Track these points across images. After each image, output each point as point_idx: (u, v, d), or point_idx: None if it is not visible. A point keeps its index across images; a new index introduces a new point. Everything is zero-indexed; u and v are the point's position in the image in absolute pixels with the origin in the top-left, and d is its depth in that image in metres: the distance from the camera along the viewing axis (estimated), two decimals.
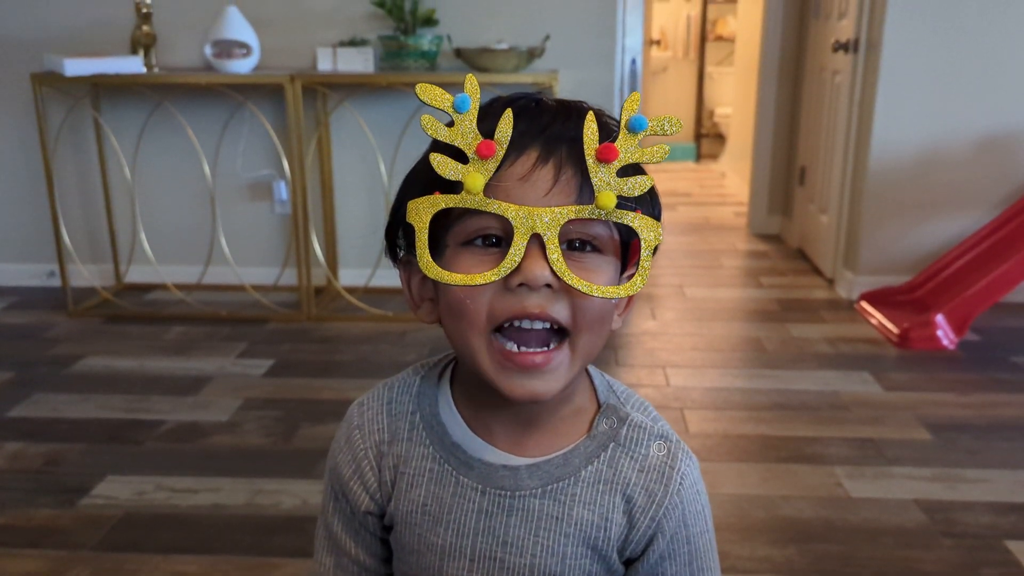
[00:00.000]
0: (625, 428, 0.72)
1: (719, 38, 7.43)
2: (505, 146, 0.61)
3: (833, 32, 3.60)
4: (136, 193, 3.29)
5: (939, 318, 2.86)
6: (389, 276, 3.28)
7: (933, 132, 3.17)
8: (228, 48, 3.02)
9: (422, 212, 0.62)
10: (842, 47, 3.42)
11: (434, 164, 0.61)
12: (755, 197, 4.62)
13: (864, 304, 3.22)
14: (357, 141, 3.22)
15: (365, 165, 3.27)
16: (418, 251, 0.63)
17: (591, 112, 0.63)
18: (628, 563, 0.73)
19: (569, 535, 0.70)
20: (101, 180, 3.35)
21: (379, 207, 3.29)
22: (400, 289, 2.78)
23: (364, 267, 3.32)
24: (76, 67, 2.88)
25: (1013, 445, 2.19)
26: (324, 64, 3.01)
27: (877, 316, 3.08)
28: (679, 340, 2.94)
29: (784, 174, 4.49)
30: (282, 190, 3.31)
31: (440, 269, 0.62)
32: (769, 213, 4.58)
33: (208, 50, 3.01)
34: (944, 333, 2.85)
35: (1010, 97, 3.13)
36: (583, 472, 0.70)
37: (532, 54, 2.96)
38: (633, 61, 4.62)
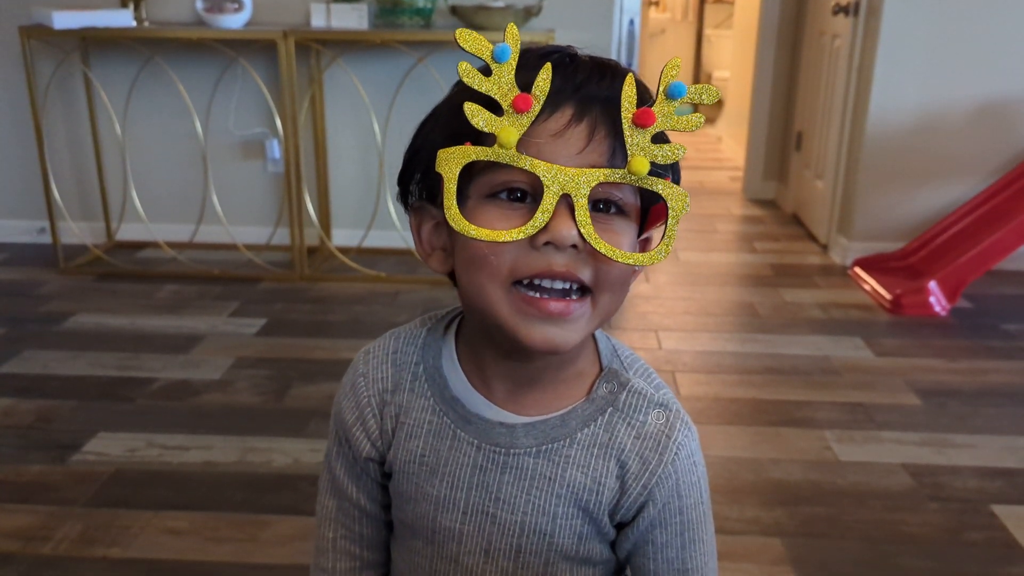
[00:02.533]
0: (625, 394, 0.72)
1: (718, 0, 7.35)
2: (542, 101, 0.60)
3: None
4: (127, 150, 3.25)
5: (932, 285, 2.86)
6: (382, 237, 3.26)
7: (931, 98, 3.15)
8: (220, 3, 2.97)
9: (452, 162, 0.61)
10: (842, 10, 3.38)
11: (468, 114, 0.59)
12: (751, 162, 4.60)
13: (857, 270, 3.22)
14: (351, 99, 3.19)
15: (359, 124, 3.24)
16: (445, 202, 0.61)
17: (630, 74, 0.61)
18: (620, 528, 0.73)
19: (561, 495, 0.70)
20: (91, 136, 3.31)
21: (373, 166, 3.26)
22: (393, 250, 2.77)
23: (357, 227, 3.30)
24: (65, 20, 2.83)
25: (1001, 411, 2.20)
26: (318, 20, 2.97)
27: (870, 282, 3.08)
28: (672, 304, 2.94)
29: (780, 139, 4.47)
30: (275, 148, 3.28)
31: (467, 223, 0.61)
32: (765, 178, 4.57)
33: (199, 4, 2.97)
34: (936, 300, 2.85)
35: (1009, 65, 3.11)
36: (579, 434, 0.70)
37: (529, 13, 2.92)
38: (631, 22, 4.56)
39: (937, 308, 2.85)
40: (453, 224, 0.61)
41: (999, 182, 3.12)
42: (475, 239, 0.61)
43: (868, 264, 3.22)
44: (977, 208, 3.12)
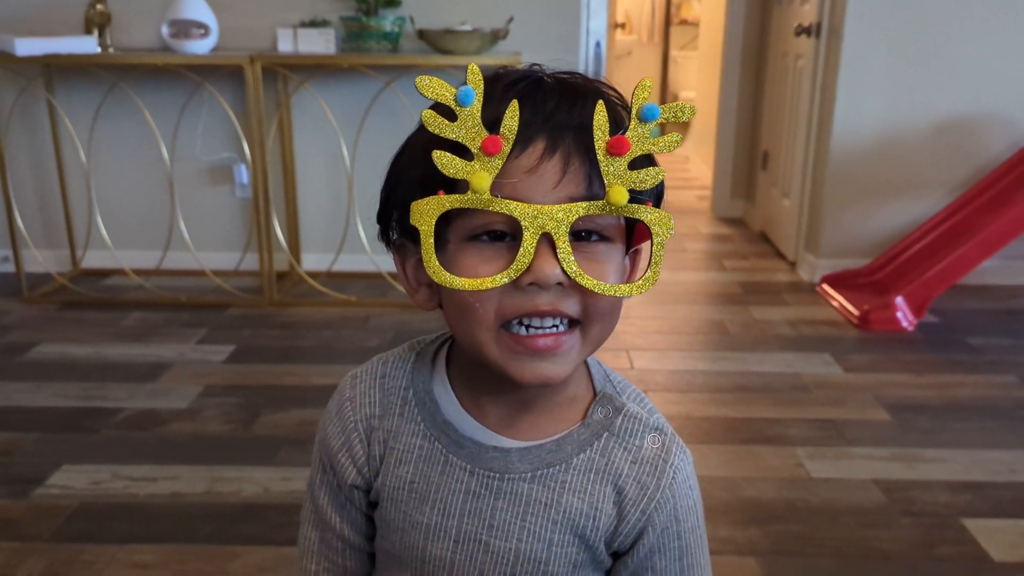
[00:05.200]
0: (620, 418, 0.71)
1: (683, 22, 7.45)
2: (512, 141, 0.58)
3: (796, 16, 3.61)
4: (92, 177, 3.21)
5: (899, 300, 2.89)
6: (352, 261, 3.25)
7: (893, 116, 3.21)
8: (185, 28, 2.96)
9: (426, 214, 0.60)
10: (804, 31, 3.43)
11: (438, 163, 0.58)
12: (718, 181, 4.65)
13: (825, 287, 3.25)
14: (319, 124, 3.18)
15: (327, 148, 3.23)
16: (424, 256, 0.60)
17: (600, 101, 0.59)
18: (616, 556, 0.72)
19: (557, 522, 0.69)
20: (56, 163, 3.27)
21: (341, 191, 3.25)
22: (363, 274, 2.76)
23: (327, 251, 3.28)
24: (28, 47, 2.80)
25: (969, 425, 2.22)
26: (285, 45, 2.96)
27: (838, 298, 3.12)
28: (643, 323, 2.95)
29: (747, 158, 4.52)
30: (243, 173, 3.26)
31: (448, 275, 0.60)
32: (732, 197, 4.61)
33: (165, 30, 2.95)
34: (903, 315, 2.88)
35: (969, 81, 3.17)
36: (575, 459, 0.69)
37: (496, 36, 2.93)
38: (598, 44, 4.60)
39: (904, 323, 2.88)
40: (434, 277, 0.60)
41: (961, 198, 3.17)
42: (459, 289, 0.60)
43: (835, 280, 3.25)
44: (941, 224, 3.17)
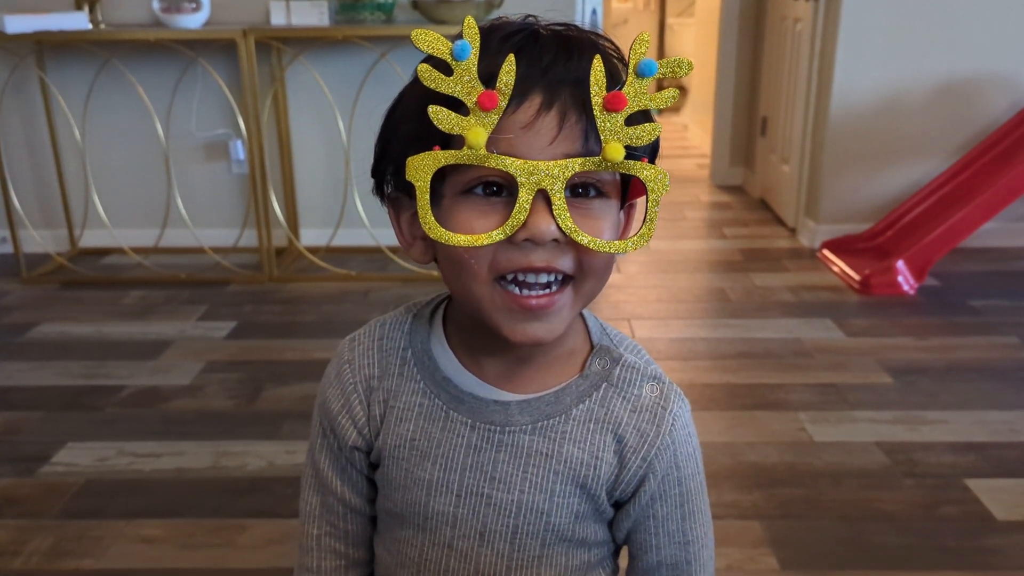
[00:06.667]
0: (618, 368, 0.72)
1: None
2: (508, 96, 0.58)
3: None
4: (87, 155, 3.20)
5: (899, 264, 2.89)
6: (351, 235, 3.24)
7: (893, 80, 3.18)
8: (177, 2, 2.93)
9: (422, 170, 0.59)
10: None
11: (433, 118, 0.58)
12: (717, 149, 4.62)
13: (826, 252, 3.25)
14: (314, 97, 3.16)
15: (323, 121, 3.21)
16: (420, 211, 0.60)
17: (598, 56, 0.59)
18: (618, 506, 0.73)
19: (558, 472, 0.70)
20: (50, 142, 3.25)
21: (338, 164, 3.23)
22: (362, 248, 2.74)
23: (326, 226, 3.27)
24: (17, 24, 2.77)
25: (971, 386, 2.23)
26: (277, 18, 2.93)
27: (839, 264, 3.11)
28: (644, 292, 2.95)
29: (746, 125, 4.49)
30: (239, 149, 3.24)
31: (443, 230, 0.60)
32: (731, 164, 4.59)
33: (156, 5, 2.92)
34: (904, 279, 2.88)
35: (968, 45, 3.14)
36: (574, 410, 0.70)
37: (491, 5, 2.90)
38: (594, 12, 4.55)
39: (905, 287, 2.87)
40: (430, 234, 0.60)
41: (962, 161, 3.15)
42: (454, 245, 0.60)
43: (836, 246, 3.25)
44: (941, 187, 3.15)
